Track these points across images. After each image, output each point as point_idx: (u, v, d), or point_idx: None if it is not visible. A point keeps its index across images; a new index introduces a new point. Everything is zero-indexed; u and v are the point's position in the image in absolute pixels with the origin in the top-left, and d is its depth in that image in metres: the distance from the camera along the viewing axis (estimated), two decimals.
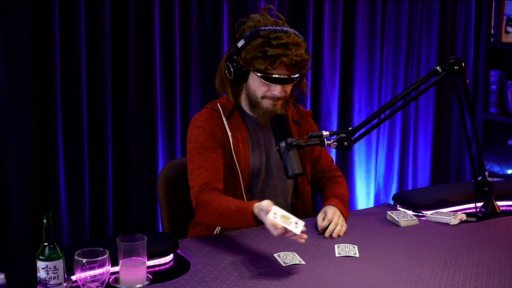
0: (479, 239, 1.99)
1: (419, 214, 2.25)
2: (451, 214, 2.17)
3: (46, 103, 2.83)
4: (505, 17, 3.86)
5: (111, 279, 1.66)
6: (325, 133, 2.00)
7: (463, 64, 2.07)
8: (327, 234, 2.00)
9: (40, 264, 1.52)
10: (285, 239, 1.85)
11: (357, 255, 1.85)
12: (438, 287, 1.64)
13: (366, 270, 1.74)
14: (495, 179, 3.15)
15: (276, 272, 1.73)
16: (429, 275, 1.72)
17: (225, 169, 2.12)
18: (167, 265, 1.81)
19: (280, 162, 2.03)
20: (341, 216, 2.07)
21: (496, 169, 4.00)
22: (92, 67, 2.92)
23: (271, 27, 2.03)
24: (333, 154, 3.67)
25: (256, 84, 2.08)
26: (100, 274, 1.56)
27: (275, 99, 2.08)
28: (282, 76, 2.03)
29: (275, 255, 1.83)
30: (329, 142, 2.00)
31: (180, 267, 1.80)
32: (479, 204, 2.28)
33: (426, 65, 3.89)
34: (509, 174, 3.94)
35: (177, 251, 1.86)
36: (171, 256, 1.83)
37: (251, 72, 2.07)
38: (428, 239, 1.99)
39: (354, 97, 3.72)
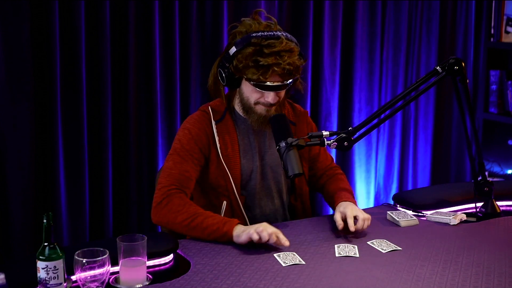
0: (479, 239, 1.99)
1: (419, 214, 2.24)
2: (451, 214, 2.17)
3: (46, 103, 2.83)
4: (505, 17, 3.86)
5: (111, 279, 1.66)
6: (325, 133, 1.99)
7: (463, 64, 2.07)
8: (356, 229, 1.98)
9: (40, 264, 1.52)
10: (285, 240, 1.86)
11: (357, 255, 1.85)
12: (438, 287, 1.64)
13: (366, 270, 1.74)
14: (495, 179, 3.14)
15: (276, 272, 1.73)
16: (429, 275, 1.71)
17: (216, 174, 2.11)
18: (167, 265, 1.81)
19: (277, 163, 2.03)
20: (360, 209, 2.06)
21: (496, 169, 4.00)
22: (92, 67, 2.91)
23: (262, 33, 1.99)
24: (333, 154, 3.67)
25: (249, 91, 2.07)
26: (100, 274, 1.56)
27: (269, 105, 2.07)
28: (275, 84, 2.01)
29: (275, 255, 1.83)
30: (329, 142, 1.99)
31: (180, 267, 1.80)
32: (479, 204, 2.27)
33: (426, 65, 3.89)
34: (509, 174, 3.93)
35: (177, 251, 1.86)
36: (171, 256, 1.83)
37: (244, 79, 2.06)
38: (428, 239, 1.99)
39: (354, 97, 3.72)
